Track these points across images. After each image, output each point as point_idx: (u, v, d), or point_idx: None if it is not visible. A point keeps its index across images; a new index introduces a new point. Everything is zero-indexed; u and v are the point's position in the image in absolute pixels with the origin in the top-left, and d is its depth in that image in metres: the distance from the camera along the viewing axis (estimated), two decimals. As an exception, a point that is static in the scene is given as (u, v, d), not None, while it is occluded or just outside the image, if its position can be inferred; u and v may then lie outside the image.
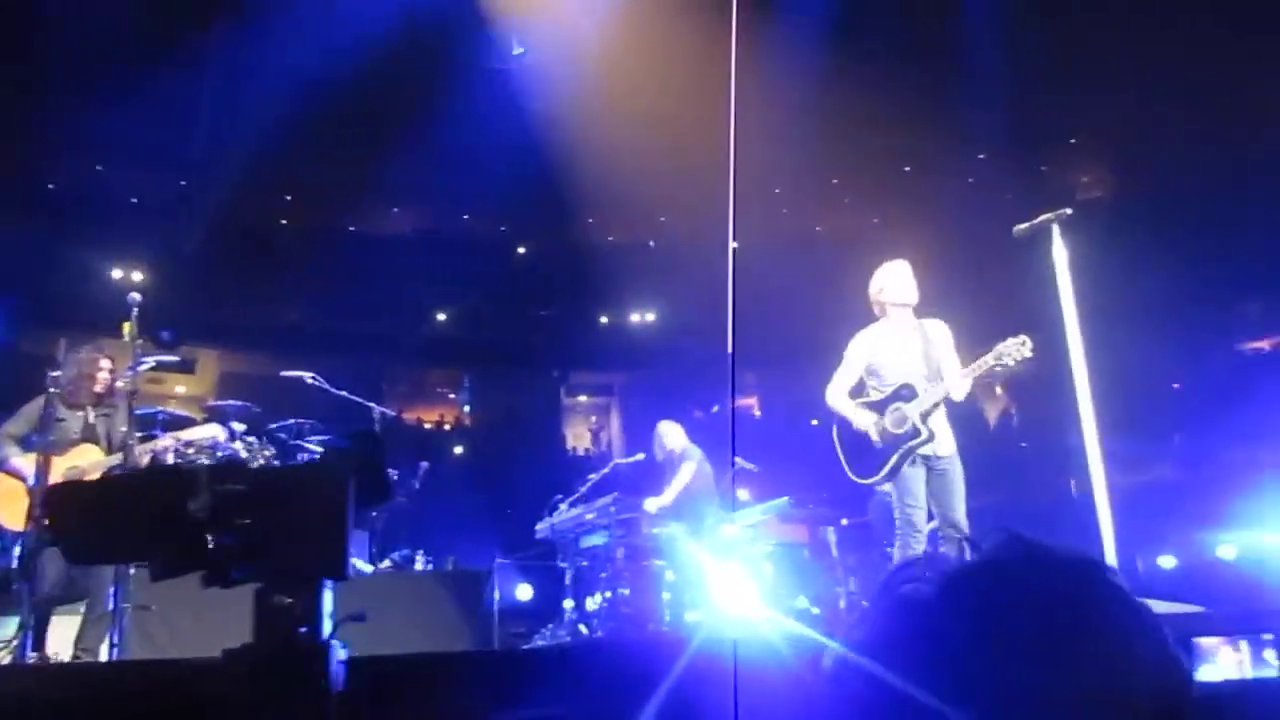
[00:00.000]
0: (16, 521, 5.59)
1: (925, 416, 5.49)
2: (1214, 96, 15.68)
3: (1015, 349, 5.26)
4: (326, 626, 1.92)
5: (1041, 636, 0.82)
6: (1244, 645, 3.32)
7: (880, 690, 0.87)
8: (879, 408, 5.66)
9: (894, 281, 5.82)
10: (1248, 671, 3.30)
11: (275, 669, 1.81)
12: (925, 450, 5.49)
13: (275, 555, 1.88)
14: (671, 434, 8.80)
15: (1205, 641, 3.29)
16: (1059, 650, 0.81)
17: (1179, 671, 0.85)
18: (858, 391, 5.90)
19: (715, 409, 21.08)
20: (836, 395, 5.85)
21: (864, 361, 5.83)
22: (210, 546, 1.87)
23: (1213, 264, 16.32)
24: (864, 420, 5.61)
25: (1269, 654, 3.30)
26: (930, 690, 0.84)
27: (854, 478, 5.72)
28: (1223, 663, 3.31)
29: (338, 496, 1.91)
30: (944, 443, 5.55)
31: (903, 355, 5.72)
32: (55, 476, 5.49)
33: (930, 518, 5.62)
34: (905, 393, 5.59)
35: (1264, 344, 18.59)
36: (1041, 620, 0.83)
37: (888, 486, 5.67)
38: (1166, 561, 11.25)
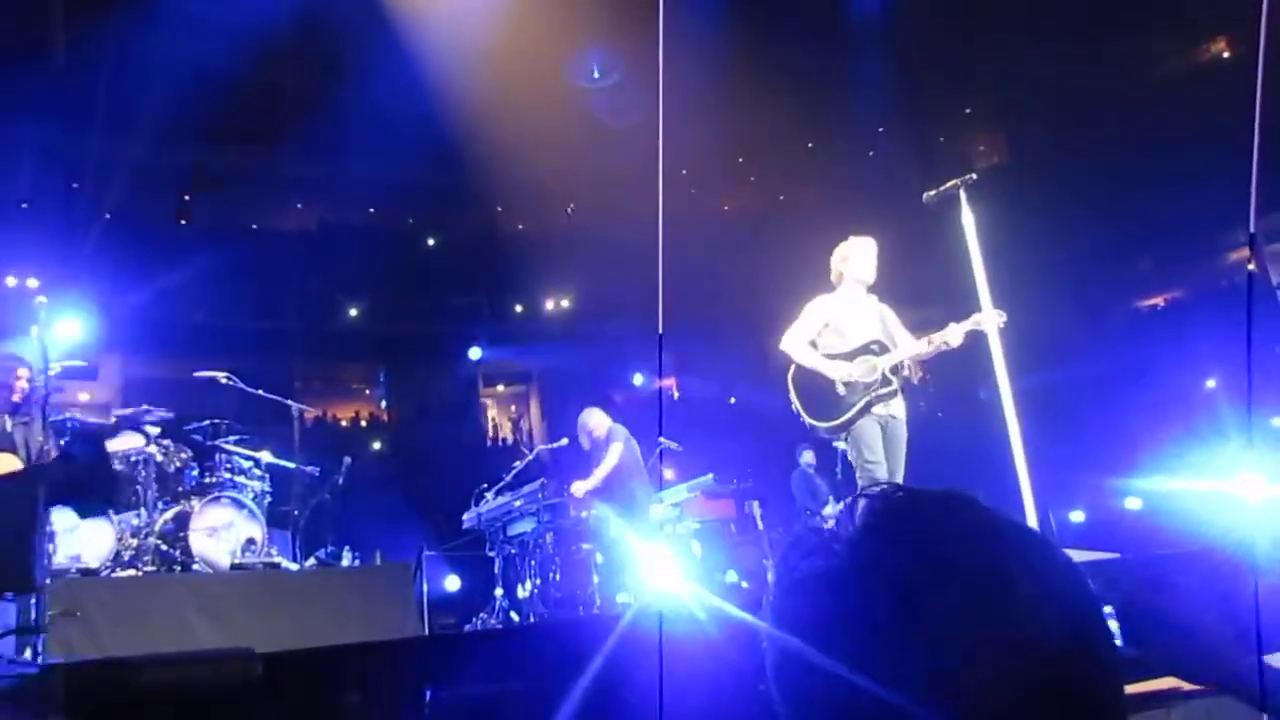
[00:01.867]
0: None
1: (895, 370, 5.63)
2: (1101, 58, 16.19)
3: (995, 317, 5.34)
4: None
5: (957, 581, 0.78)
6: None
7: (819, 682, 0.82)
8: (843, 358, 5.76)
9: (859, 257, 5.94)
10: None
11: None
12: (883, 409, 5.63)
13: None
14: (595, 420, 8.82)
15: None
16: (974, 593, 0.78)
17: (1087, 595, 0.84)
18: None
19: (639, 380, 21.20)
20: (799, 344, 5.88)
21: (822, 320, 5.92)
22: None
23: (1106, 224, 16.89)
24: (833, 367, 5.69)
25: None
26: (860, 671, 0.79)
27: (811, 421, 5.75)
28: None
29: (23, 512, 1.90)
30: (898, 404, 5.71)
31: (862, 320, 5.85)
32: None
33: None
34: (875, 347, 5.73)
35: (1159, 300, 19.33)
36: (955, 562, 0.80)
37: (843, 444, 5.75)
38: (1076, 516, 11.65)
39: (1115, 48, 16.15)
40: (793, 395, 5.86)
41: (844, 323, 5.87)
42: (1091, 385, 13.87)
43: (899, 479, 5.53)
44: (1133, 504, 11.44)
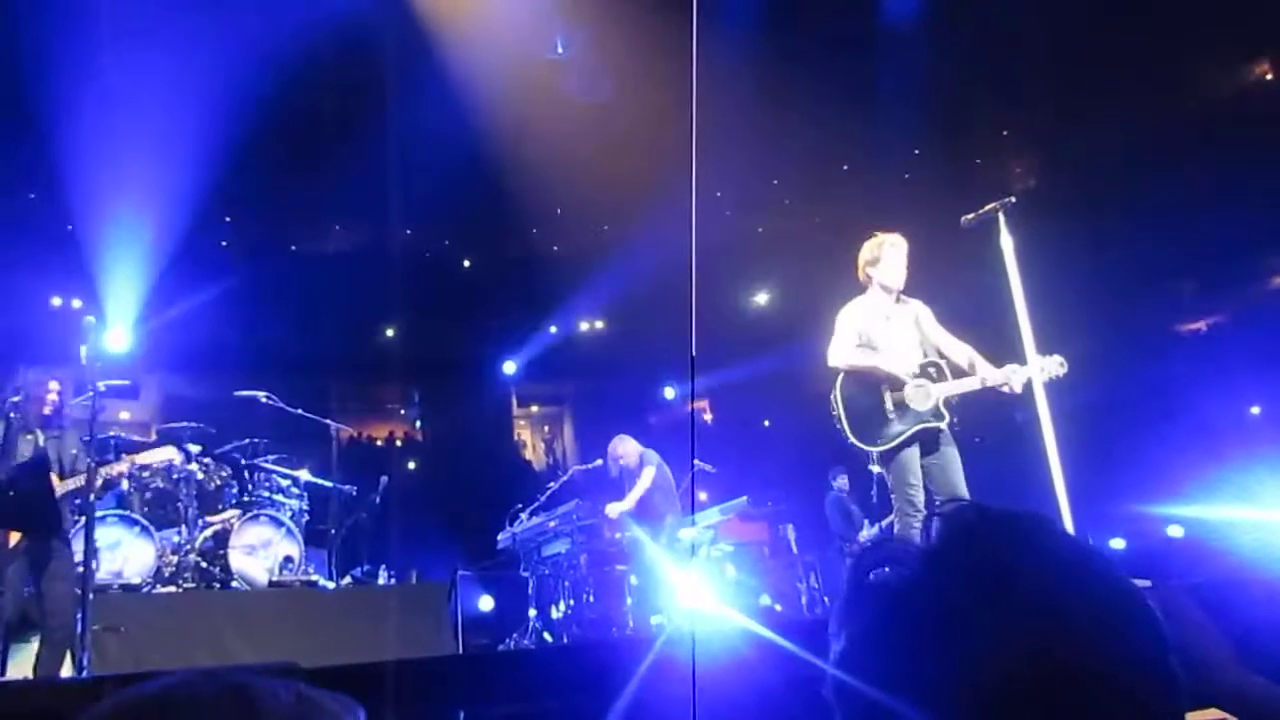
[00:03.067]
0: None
1: (947, 402, 5.50)
2: (1141, 81, 16.08)
3: (1053, 365, 5.25)
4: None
5: (1017, 609, 0.78)
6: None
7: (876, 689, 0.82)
8: (898, 381, 5.60)
9: (887, 260, 5.74)
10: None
11: None
12: (928, 435, 5.49)
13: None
14: (625, 448, 8.84)
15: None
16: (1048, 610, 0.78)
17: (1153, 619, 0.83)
18: None
19: (670, 393, 21.15)
20: (845, 354, 5.68)
21: (855, 330, 5.74)
22: None
23: (1146, 248, 16.71)
24: (886, 363, 5.51)
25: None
26: (913, 684, 0.80)
27: (855, 442, 5.58)
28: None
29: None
30: (948, 434, 5.57)
31: (893, 330, 5.68)
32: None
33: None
34: (932, 371, 5.56)
35: (1200, 324, 19.08)
36: (1030, 582, 0.80)
37: (877, 467, 5.64)
38: (1116, 544, 11.48)
39: (1156, 70, 16.03)
40: (839, 411, 5.68)
41: (876, 335, 5.70)
42: (1132, 410, 13.69)
43: (960, 494, 5.36)
44: (1175, 532, 11.26)
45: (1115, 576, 0.85)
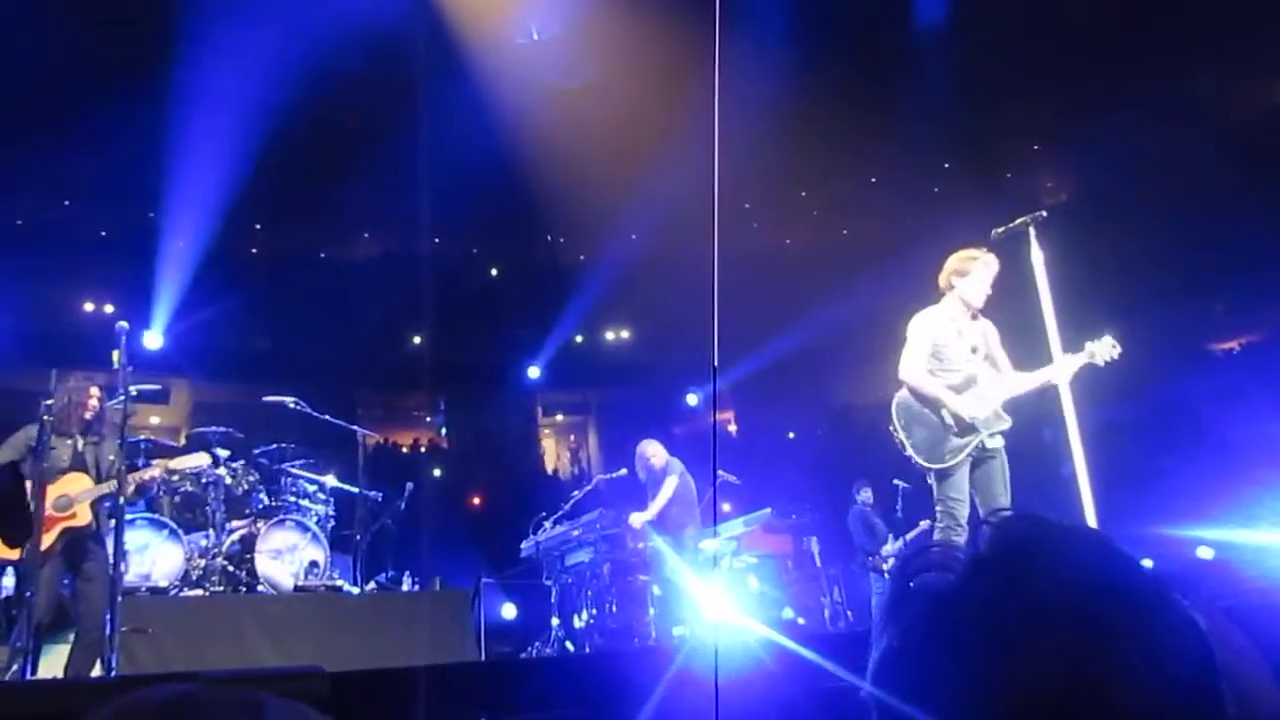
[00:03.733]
0: (10, 550, 5.58)
1: (1006, 407, 5.46)
2: (1173, 97, 15.99)
3: (1105, 349, 5.23)
4: None
5: (1060, 625, 0.78)
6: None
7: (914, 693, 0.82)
8: (954, 391, 5.53)
9: (975, 277, 5.60)
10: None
11: None
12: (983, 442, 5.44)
13: None
14: (653, 450, 8.79)
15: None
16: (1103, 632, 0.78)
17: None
18: None
19: (693, 400, 21.16)
20: (918, 373, 5.57)
21: (930, 341, 5.62)
22: None
23: (1177, 265, 16.58)
24: (959, 404, 5.43)
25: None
26: (948, 691, 0.79)
27: (919, 460, 5.48)
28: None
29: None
30: (999, 437, 5.50)
31: (963, 341, 5.61)
32: (45, 505, 5.49)
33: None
34: (982, 379, 5.53)
35: (1233, 344, 18.87)
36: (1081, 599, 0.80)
37: (932, 469, 5.54)
38: (1144, 564, 11.33)
39: (1188, 86, 15.94)
40: (897, 426, 5.59)
41: (948, 348, 5.59)
42: (1162, 429, 13.55)
43: (1001, 506, 5.31)
44: (1204, 554, 11.12)
45: (1167, 597, 0.85)
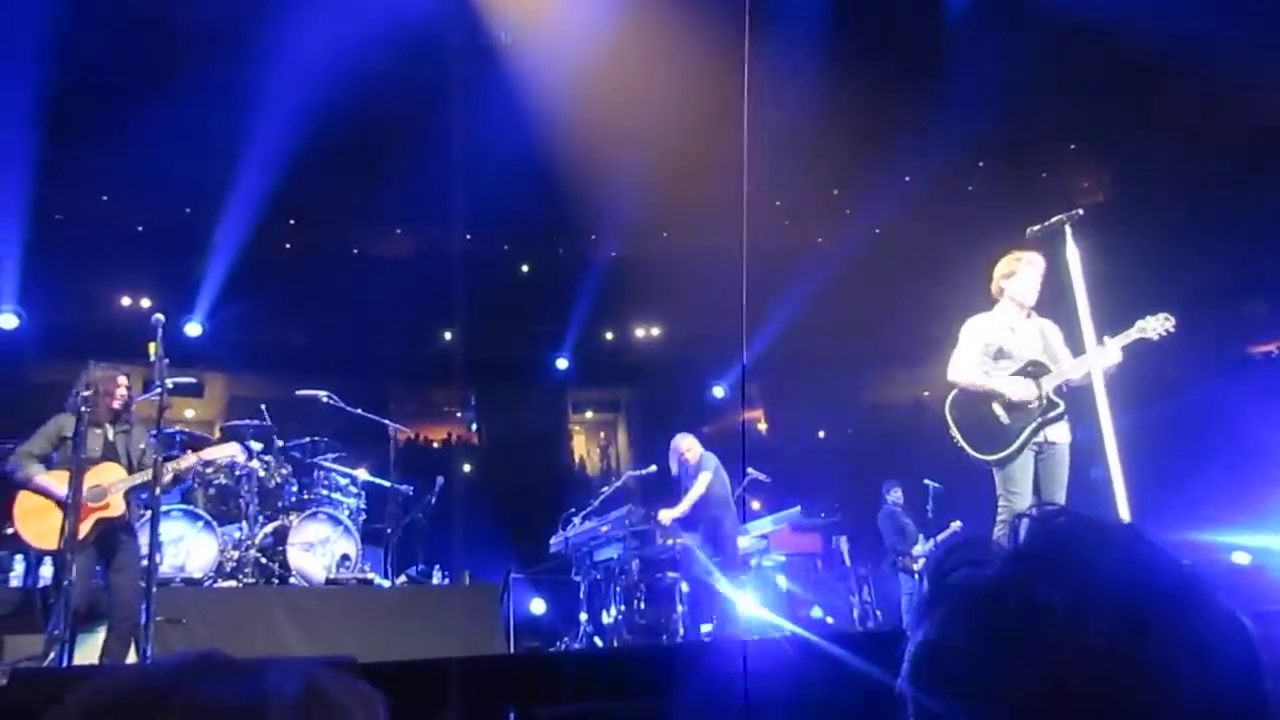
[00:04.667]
0: (47, 540, 5.67)
1: (1059, 392, 5.44)
2: (1211, 97, 15.77)
3: (1159, 323, 5.21)
4: None
5: (1099, 619, 0.78)
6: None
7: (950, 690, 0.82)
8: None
9: (1023, 276, 5.64)
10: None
11: None
12: (1041, 435, 5.43)
13: None
14: (688, 444, 8.78)
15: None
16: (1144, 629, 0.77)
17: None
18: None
19: (719, 392, 21.15)
20: (966, 371, 5.61)
21: (981, 344, 5.67)
22: None
23: (1216, 265, 16.38)
24: (1006, 384, 5.45)
25: None
26: (983, 688, 0.79)
27: (976, 454, 5.50)
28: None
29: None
30: (1061, 429, 5.49)
31: (1019, 341, 5.62)
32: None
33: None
34: (1032, 369, 5.51)
35: (1271, 346, 18.60)
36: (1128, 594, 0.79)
37: (990, 461, 5.52)
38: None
39: (1227, 85, 15.72)
40: (952, 427, 5.60)
41: (1005, 343, 5.62)
42: (1198, 431, 13.40)
43: (1057, 501, 5.28)
44: (1240, 559, 10.98)
45: (1210, 592, 0.84)
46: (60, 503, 5.67)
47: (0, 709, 2.66)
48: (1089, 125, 19.33)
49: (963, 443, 5.54)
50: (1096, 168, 21.47)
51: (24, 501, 5.84)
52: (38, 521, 5.74)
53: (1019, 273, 5.62)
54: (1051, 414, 5.42)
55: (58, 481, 5.75)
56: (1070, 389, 5.49)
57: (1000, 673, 0.79)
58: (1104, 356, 5.21)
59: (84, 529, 5.60)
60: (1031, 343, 5.63)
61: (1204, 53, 14.15)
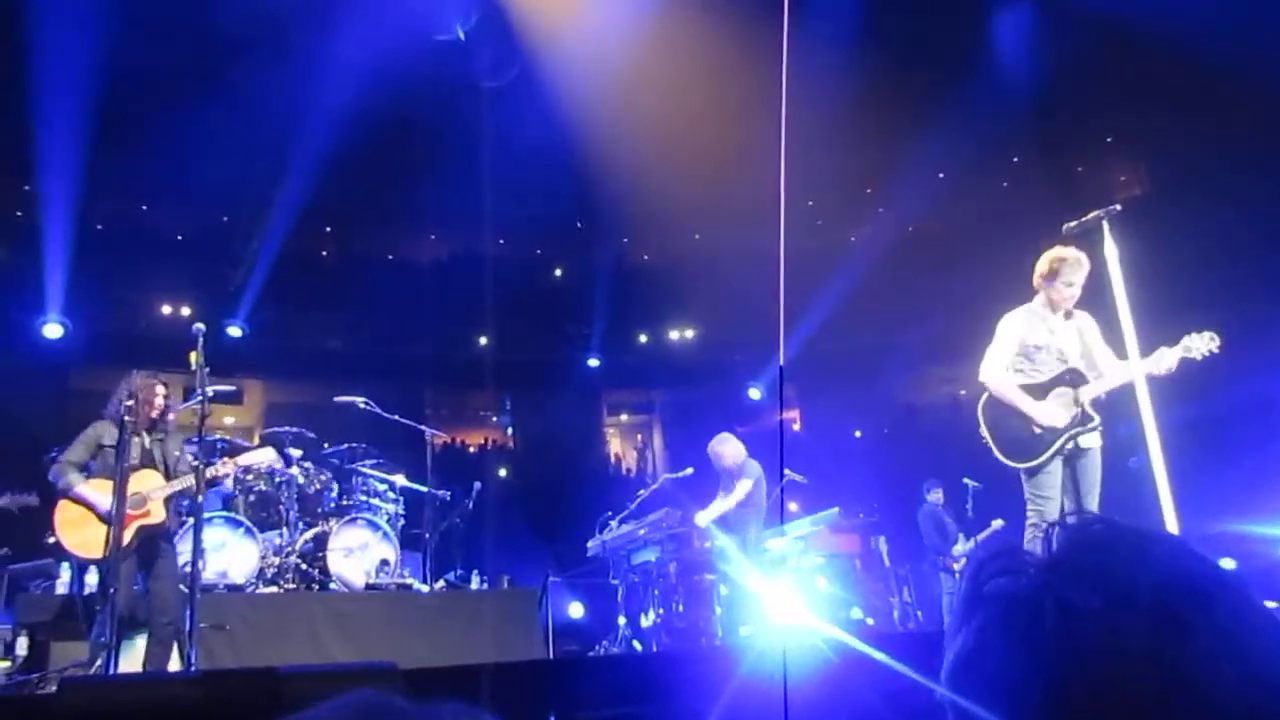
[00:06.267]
0: (88, 549, 5.74)
1: (1095, 403, 5.37)
2: (1249, 87, 15.52)
3: (1204, 343, 5.14)
4: None
5: (1133, 627, 0.77)
6: None
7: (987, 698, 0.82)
8: (1035, 391, 5.46)
9: (1066, 275, 5.51)
10: None
11: None
12: (1072, 443, 5.36)
13: None
14: (730, 448, 8.61)
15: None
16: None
17: None
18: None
19: (756, 394, 21.10)
20: (997, 374, 5.54)
21: (1017, 340, 5.58)
22: None
23: (1258, 257, 16.11)
24: (1034, 409, 5.37)
25: None
26: (1020, 696, 0.79)
27: (1005, 459, 5.44)
28: None
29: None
30: (1093, 436, 5.41)
31: (1055, 340, 5.54)
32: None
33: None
34: (1070, 377, 5.44)
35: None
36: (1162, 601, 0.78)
37: (1020, 468, 5.47)
38: (1226, 564, 11.02)
39: (1265, 75, 15.47)
40: (983, 428, 5.55)
41: (1040, 342, 5.53)
42: (1244, 425, 13.19)
43: (1089, 507, 5.21)
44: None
45: (1249, 595, 0.83)
46: (101, 514, 5.76)
47: (50, 716, 2.71)
48: (1126, 117, 19.09)
49: (993, 446, 5.48)
50: (1134, 161, 21.20)
51: (64, 511, 5.92)
52: (78, 531, 5.81)
53: (1061, 273, 5.49)
54: (1085, 426, 5.35)
55: (98, 491, 5.82)
56: (1109, 396, 5.41)
57: (1039, 678, 0.79)
58: (1149, 366, 5.13)
59: (126, 536, 5.67)
60: (1069, 345, 5.54)
61: (1244, 42, 13.93)
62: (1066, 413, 5.35)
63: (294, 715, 0.74)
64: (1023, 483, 5.41)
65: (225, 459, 6.53)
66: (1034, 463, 5.32)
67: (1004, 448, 5.46)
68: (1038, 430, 5.33)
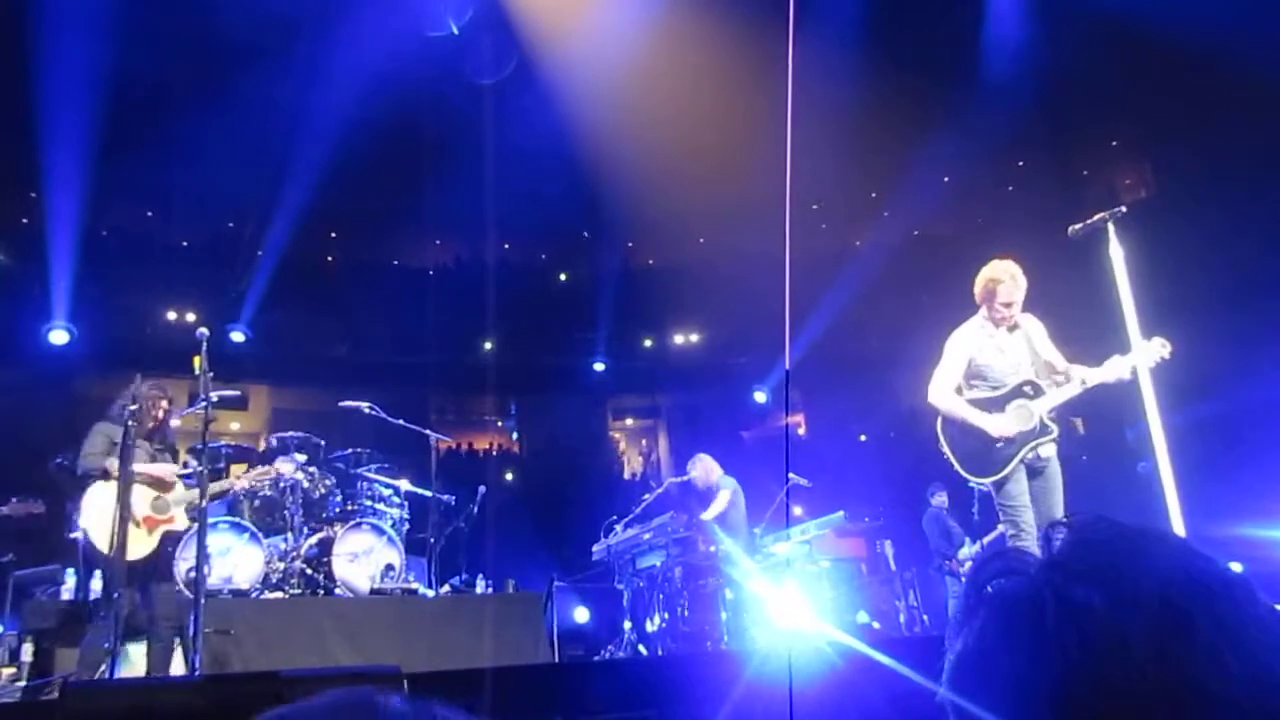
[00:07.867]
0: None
1: (1050, 413, 5.40)
2: (1254, 89, 15.50)
3: (1155, 349, 5.15)
4: None
5: (1136, 625, 0.77)
6: None
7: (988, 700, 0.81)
8: (992, 405, 5.49)
9: (1005, 290, 5.54)
10: None
11: None
12: (1032, 453, 5.39)
13: None
14: (703, 467, 8.87)
15: None
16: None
17: None
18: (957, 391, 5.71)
19: (761, 397, 21.06)
20: (946, 395, 5.58)
21: (966, 358, 5.61)
22: None
23: (1263, 260, 16.08)
24: (988, 423, 5.40)
25: None
26: (1024, 696, 0.79)
27: (968, 476, 5.49)
28: None
29: None
30: (1050, 445, 5.44)
31: (1006, 353, 5.57)
32: (138, 505, 5.67)
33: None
34: (1028, 389, 5.46)
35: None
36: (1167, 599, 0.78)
37: (985, 483, 5.50)
38: (1234, 567, 10.97)
39: (1269, 77, 15.44)
40: (945, 446, 5.57)
41: (989, 360, 5.55)
42: (1249, 427, 13.17)
43: (1057, 516, 5.22)
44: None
45: (1254, 593, 0.83)
46: (152, 487, 5.79)
47: (54, 721, 2.70)
48: (1131, 120, 19.09)
49: (956, 464, 5.50)
50: (1139, 164, 21.18)
51: (95, 496, 5.88)
52: (108, 526, 5.80)
53: (998, 294, 5.54)
54: (1044, 437, 5.38)
55: (147, 469, 5.86)
56: (1065, 405, 5.44)
57: (1042, 677, 0.79)
58: (1101, 375, 5.23)
59: (152, 541, 5.69)
60: (1019, 360, 5.56)
61: (1248, 46, 13.92)
62: (1024, 424, 5.38)
63: (291, 705, 0.74)
64: (992, 495, 5.42)
65: (227, 478, 6.56)
66: (998, 476, 5.36)
67: (967, 465, 5.50)
68: (998, 444, 5.35)
